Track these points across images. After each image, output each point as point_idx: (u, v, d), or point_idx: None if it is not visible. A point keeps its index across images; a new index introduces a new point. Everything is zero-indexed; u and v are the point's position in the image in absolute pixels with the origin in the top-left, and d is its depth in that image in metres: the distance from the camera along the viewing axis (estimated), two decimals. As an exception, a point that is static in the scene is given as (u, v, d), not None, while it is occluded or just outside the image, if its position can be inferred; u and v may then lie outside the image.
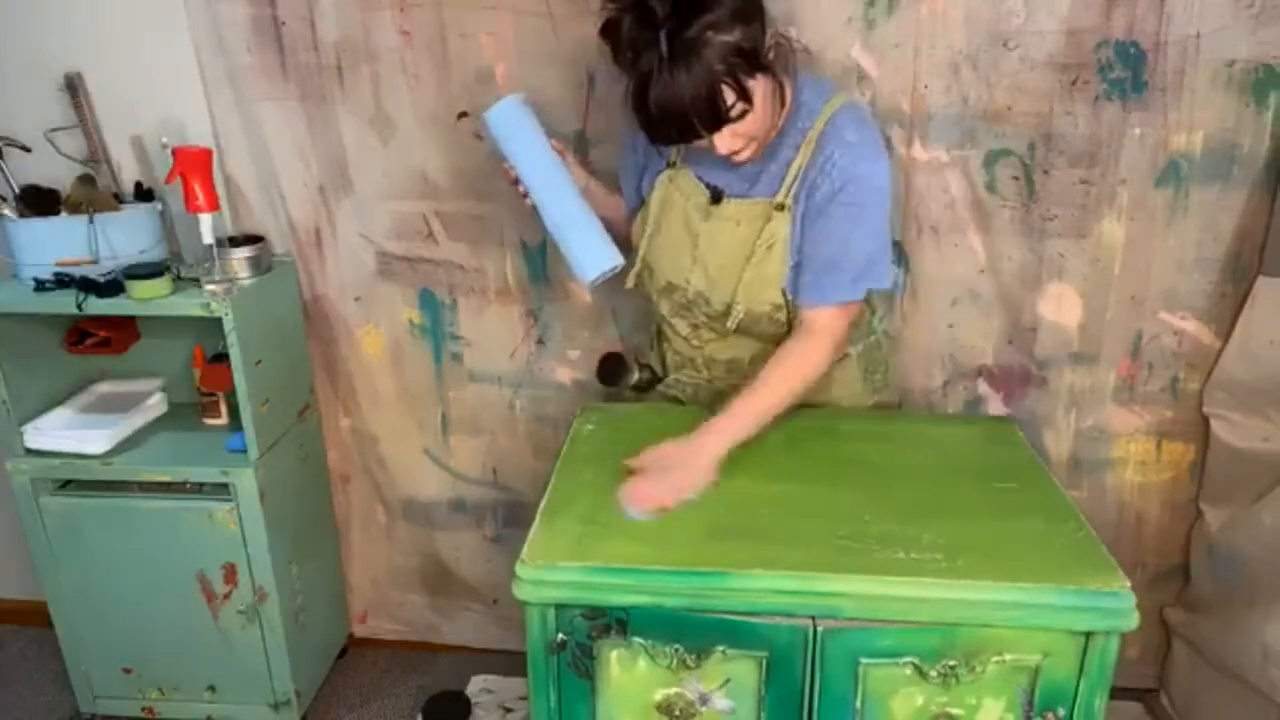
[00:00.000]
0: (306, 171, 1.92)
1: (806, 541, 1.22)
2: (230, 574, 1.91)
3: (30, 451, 1.89)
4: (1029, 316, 1.85)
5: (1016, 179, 1.75)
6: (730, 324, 1.47)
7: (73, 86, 1.87)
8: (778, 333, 1.49)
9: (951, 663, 1.15)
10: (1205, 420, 1.85)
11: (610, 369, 1.68)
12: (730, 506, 1.30)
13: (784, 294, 1.43)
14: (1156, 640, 2.04)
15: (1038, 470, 1.44)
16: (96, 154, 1.91)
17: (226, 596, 1.93)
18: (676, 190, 1.48)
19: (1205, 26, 1.60)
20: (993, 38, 1.65)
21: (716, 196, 1.45)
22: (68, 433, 1.89)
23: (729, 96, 1.24)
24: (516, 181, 1.52)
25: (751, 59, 1.25)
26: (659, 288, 1.54)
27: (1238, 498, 1.80)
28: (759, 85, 1.27)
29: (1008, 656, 1.15)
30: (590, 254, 1.48)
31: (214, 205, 1.75)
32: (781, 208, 1.40)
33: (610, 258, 1.48)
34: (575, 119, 1.81)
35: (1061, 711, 1.17)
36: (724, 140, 1.31)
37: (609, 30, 1.27)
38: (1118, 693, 1.21)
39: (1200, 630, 1.90)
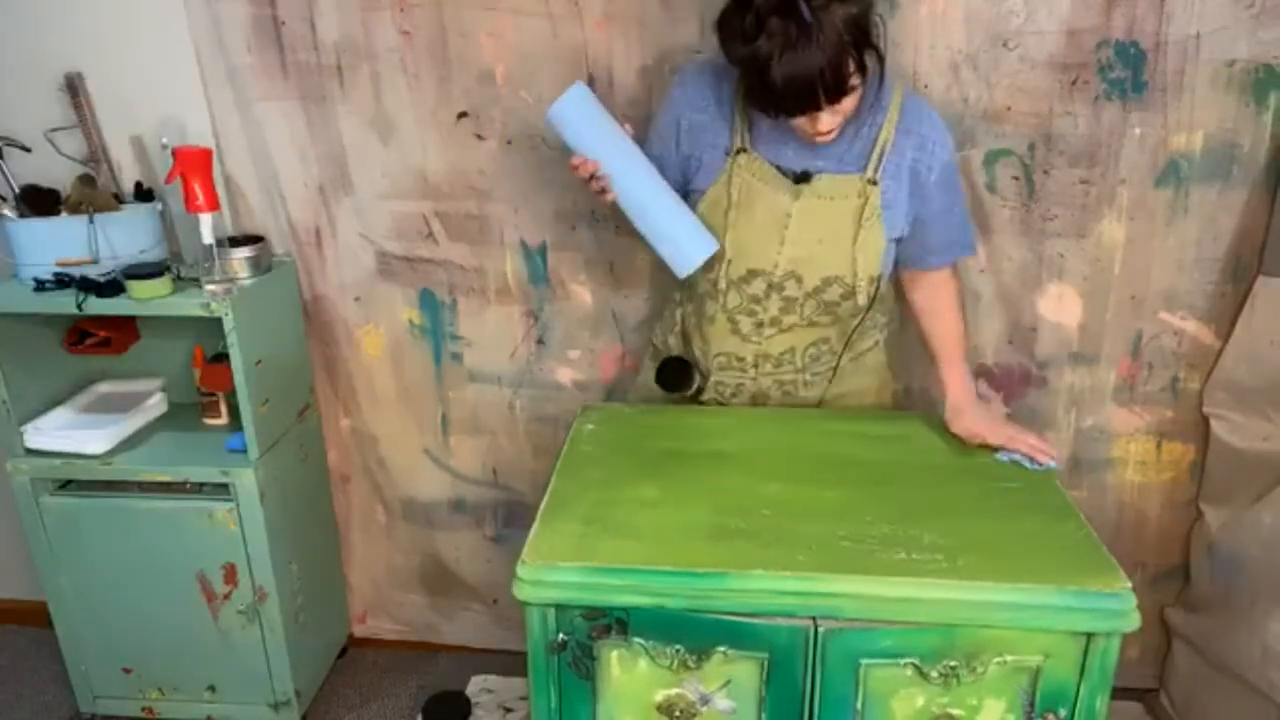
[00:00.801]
0: (306, 171, 1.92)
1: (807, 542, 1.22)
2: (230, 574, 1.91)
3: (30, 451, 1.88)
4: (1029, 316, 1.85)
5: (1016, 179, 1.75)
6: (817, 302, 1.51)
7: (73, 86, 1.87)
8: (849, 314, 1.55)
9: (952, 663, 1.15)
10: (1205, 420, 1.85)
11: (675, 375, 1.64)
12: (730, 506, 1.30)
13: (880, 269, 1.50)
14: (1156, 640, 2.04)
15: (1037, 469, 1.44)
16: (96, 154, 1.91)
17: (226, 596, 1.93)
18: (753, 175, 1.46)
19: (1205, 26, 1.60)
20: (993, 38, 1.65)
21: (803, 176, 1.45)
22: (68, 433, 1.89)
23: (850, 67, 1.27)
24: (593, 176, 1.45)
25: (866, 32, 1.29)
26: (736, 277, 1.51)
27: (1238, 498, 1.80)
28: (870, 60, 1.31)
29: (1008, 657, 1.15)
30: (691, 242, 1.45)
31: (214, 205, 1.75)
32: (873, 182, 1.44)
33: (709, 244, 1.45)
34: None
35: (1062, 712, 1.17)
36: (828, 117, 1.33)
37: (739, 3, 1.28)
38: (1118, 693, 1.21)
39: (1200, 630, 1.90)
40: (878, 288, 1.51)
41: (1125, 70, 1.65)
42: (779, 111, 1.33)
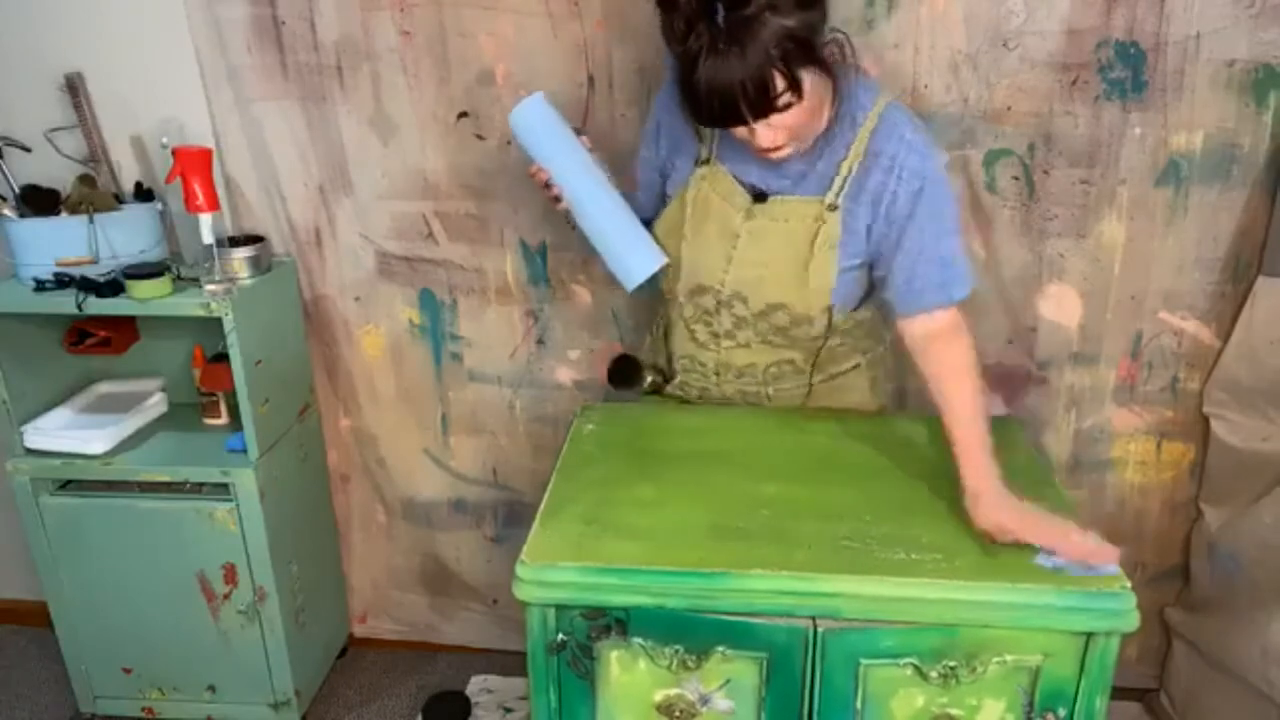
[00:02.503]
0: (306, 171, 1.92)
1: (806, 542, 1.21)
2: (230, 574, 1.91)
3: (30, 451, 1.89)
4: (1029, 316, 1.85)
5: (1016, 179, 1.75)
6: (766, 324, 1.44)
7: (73, 86, 1.87)
8: (811, 337, 1.46)
9: (952, 663, 1.15)
10: (1205, 420, 1.85)
11: (622, 372, 1.63)
12: (730, 506, 1.30)
13: (830, 299, 1.40)
14: (1156, 640, 2.04)
15: (1038, 470, 1.43)
16: (96, 154, 1.91)
17: (226, 596, 1.93)
18: (712, 189, 1.42)
19: (1205, 26, 1.60)
20: (993, 38, 1.65)
21: (760, 196, 1.39)
22: (68, 433, 1.89)
23: (779, 84, 1.19)
24: (547, 185, 1.45)
25: (806, 49, 1.20)
26: (687, 289, 1.48)
27: (1238, 498, 1.80)
28: (810, 78, 1.22)
29: (1008, 657, 1.15)
30: (636, 257, 1.43)
31: (214, 205, 1.76)
32: (833, 208, 1.36)
33: (654, 259, 1.43)
34: (575, 119, 1.80)
35: (1062, 712, 1.17)
36: (765, 132, 1.25)
37: (665, 1, 1.22)
38: (1118, 693, 1.21)
39: (1200, 630, 1.90)
40: (829, 317, 1.42)
41: (1125, 70, 1.65)
42: (702, 121, 1.28)
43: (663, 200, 1.50)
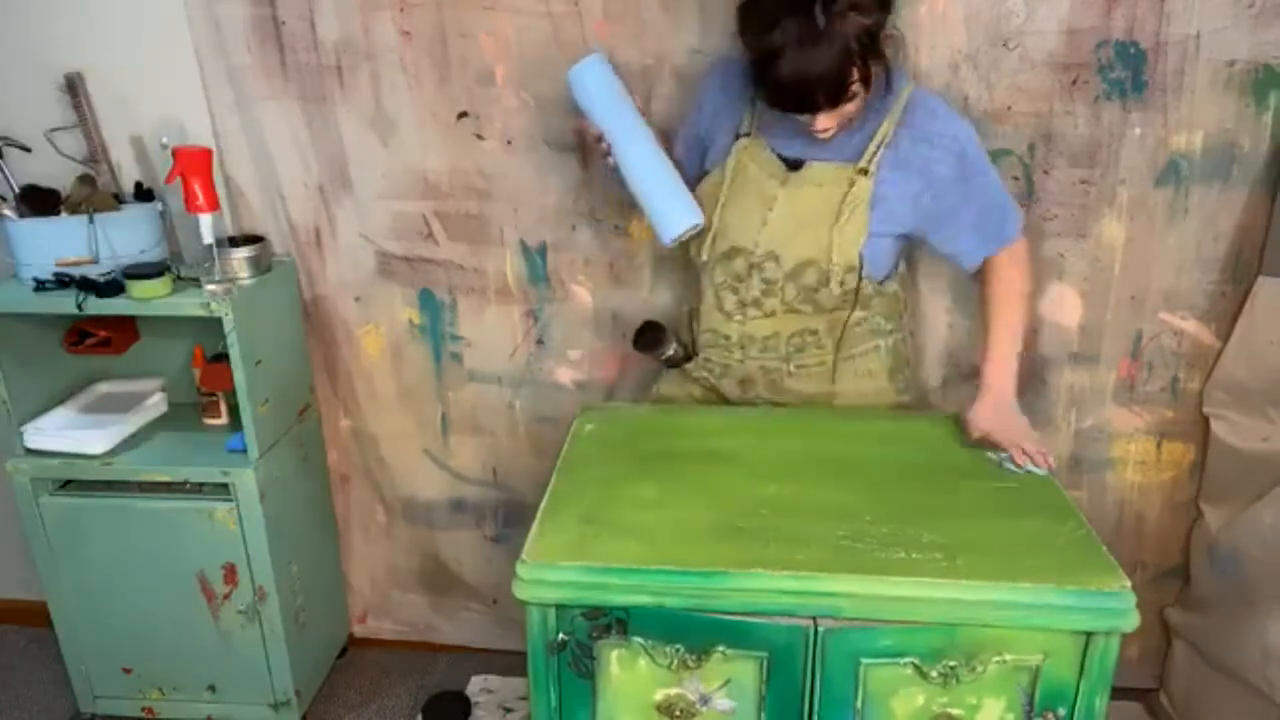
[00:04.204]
0: (306, 171, 1.92)
1: (806, 541, 1.22)
2: (230, 574, 1.91)
3: (30, 451, 1.88)
4: (1029, 316, 1.84)
5: (1016, 179, 1.75)
6: (795, 286, 1.52)
7: (73, 86, 1.87)
8: (833, 304, 1.54)
9: (952, 663, 1.15)
10: (1205, 420, 1.85)
11: (648, 337, 1.70)
12: (730, 506, 1.30)
13: (860, 259, 1.50)
14: (1156, 640, 2.04)
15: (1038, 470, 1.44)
16: (96, 154, 1.91)
17: (226, 596, 1.93)
18: (750, 159, 1.52)
19: (1205, 26, 1.60)
20: (993, 38, 1.65)
21: (796, 164, 1.50)
22: (68, 433, 1.89)
23: (853, 76, 1.31)
24: (599, 139, 1.54)
25: (875, 44, 1.33)
26: (720, 253, 1.56)
27: (1238, 498, 1.80)
28: (874, 71, 1.35)
29: (1008, 656, 1.15)
30: (676, 212, 1.52)
31: (214, 205, 1.76)
32: (864, 172, 1.47)
33: (694, 215, 1.52)
34: (575, 119, 1.80)
35: (1062, 711, 1.17)
36: (826, 117, 1.37)
37: None
38: (1118, 693, 1.21)
39: (1200, 630, 1.90)
40: (857, 280, 1.51)
41: (1125, 70, 1.65)
42: (777, 107, 1.37)
43: (700, 175, 1.60)
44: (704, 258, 1.57)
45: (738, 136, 1.53)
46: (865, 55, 1.31)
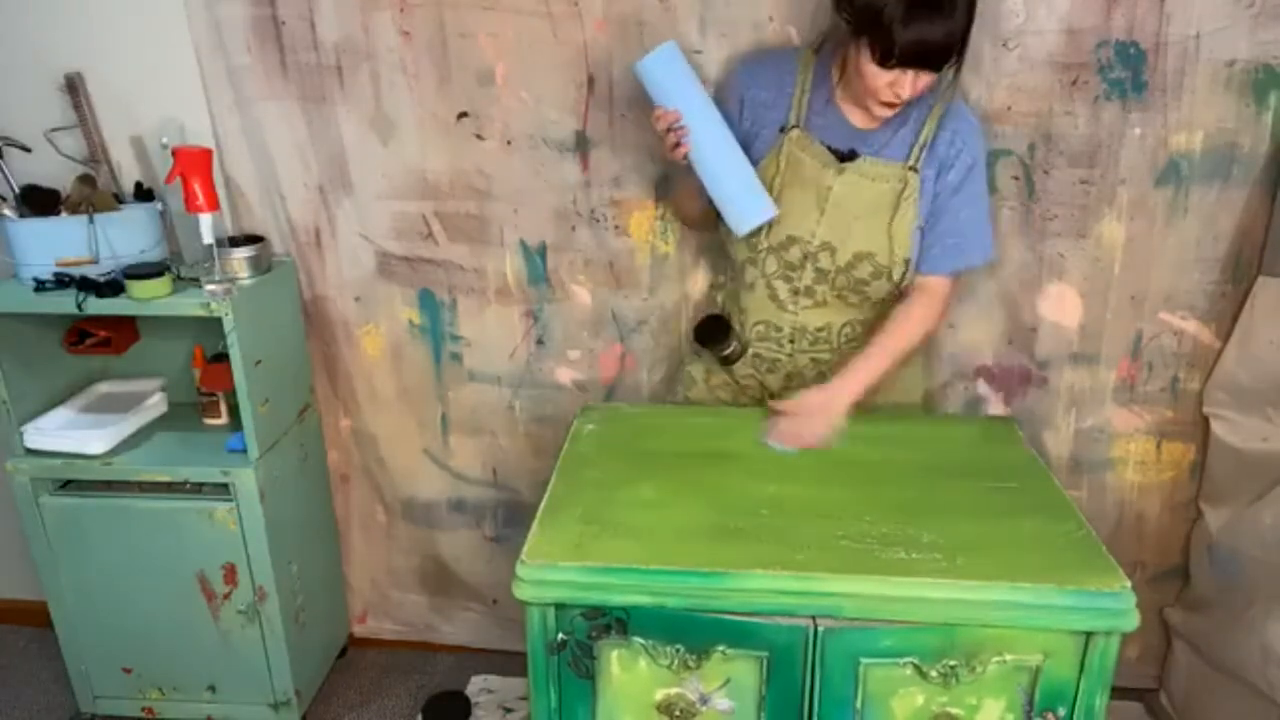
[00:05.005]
0: (306, 171, 1.92)
1: (806, 541, 1.22)
2: (230, 574, 1.91)
3: (30, 451, 1.88)
4: (1029, 316, 1.85)
5: (1016, 179, 1.75)
6: (847, 278, 1.55)
7: (73, 86, 1.87)
8: (882, 296, 1.58)
9: (952, 663, 1.15)
10: (1205, 420, 1.85)
11: (711, 331, 1.69)
12: (730, 506, 1.30)
13: (911, 251, 1.54)
14: (1156, 640, 2.04)
15: (1038, 470, 1.44)
16: (96, 154, 1.91)
17: (226, 596, 1.93)
18: (801, 150, 1.54)
19: (1205, 26, 1.60)
20: (993, 38, 1.65)
21: (849, 156, 1.53)
22: (68, 433, 1.89)
23: (959, 46, 1.36)
24: (670, 129, 1.51)
25: (972, 21, 1.38)
26: (775, 243, 1.57)
27: (1238, 498, 1.80)
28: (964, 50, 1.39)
29: (1008, 656, 1.15)
30: (751, 203, 1.52)
31: (214, 205, 1.75)
32: (914, 169, 1.51)
33: (770, 208, 1.52)
34: (575, 119, 1.81)
35: (1062, 711, 1.17)
36: (912, 86, 1.39)
37: None
38: (1118, 693, 1.21)
39: (1200, 630, 1.90)
40: (906, 270, 1.55)
41: (1125, 70, 1.65)
42: (888, 60, 1.37)
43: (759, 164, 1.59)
44: (759, 248, 1.58)
45: (782, 130, 1.54)
46: (968, 26, 1.36)
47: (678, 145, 1.51)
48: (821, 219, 1.53)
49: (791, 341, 1.63)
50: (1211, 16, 1.59)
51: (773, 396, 1.67)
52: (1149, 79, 1.65)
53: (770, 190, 1.54)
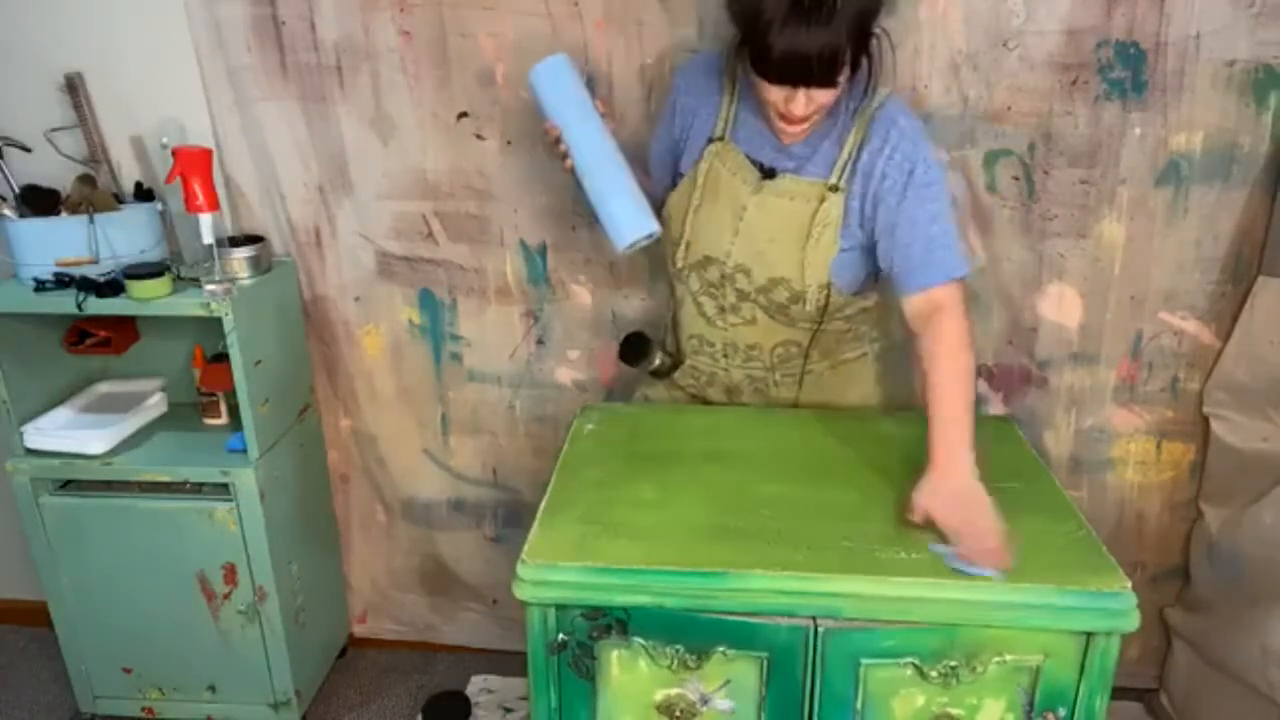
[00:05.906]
0: (306, 171, 1.92)
1: (807, 541, 1.22)
2: (230, 574, 1.91)
3: (30, 451, 1.88)
4: (1029, 316, 1.85)
5: (1016, 179, 1.75)
6: (766, 300, 1.47)
7: (73, 86, 1.87)
8: (806, 319, 1.49)
9: (952, 663, 1.15)
10: (1205, 420, 1.85)
11: (633, 348, 1.65)
12: (730, 506, 1.30)
13: (830, 276, 1.44)
14: (1156, 640, 2.04)
15: (1038, 470, 1.44)
16: (96, 154, 1.91)
17: (226, 596, 1.93)
18: (723, 164, 1.47)
19: (1205, 26, 1.60)
20: (993, 38, 1.65)
21: (769, 173, 1.44)
22: (68, 433, 1.89)
23: (845, 57, 1.26)
24: (558, 141, 1.48)
25: (868, 32, 1.28)
26: (694, 261, 1.51)
27: (1238, 498, 1.80)
28: (863, 61, 1.31)
29: (1008, 657, 1.15)
30: (629, 219, 1.45)
31: (214, 205, 1.75)
32: (835, 189, 1.41)
33: (648, 224, 1.45)
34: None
35: (1062, 712, 1.17)
36: (805, 103, 1.30)
37: None
38: (1118, 693, 1.21)
39: (1200, 630, 1.90)
40: (828, 296, 1.45)
41: (1125, 70, 1.65)
42: (766, 73, 1.29)
43: (675, 179, 1.54)
44: (678, 265, 1.53)
45: (710, 141, 1.47)
46: (856, 39, 1.26)
47: (564, 158, 1.48)
48: (735, 239, 1.45)
49: (725, 356, 1.59)
50: (1211, 16, 1.59)
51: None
52: (1149, 79, 1.65)
53: (688, 204, 1.48)
